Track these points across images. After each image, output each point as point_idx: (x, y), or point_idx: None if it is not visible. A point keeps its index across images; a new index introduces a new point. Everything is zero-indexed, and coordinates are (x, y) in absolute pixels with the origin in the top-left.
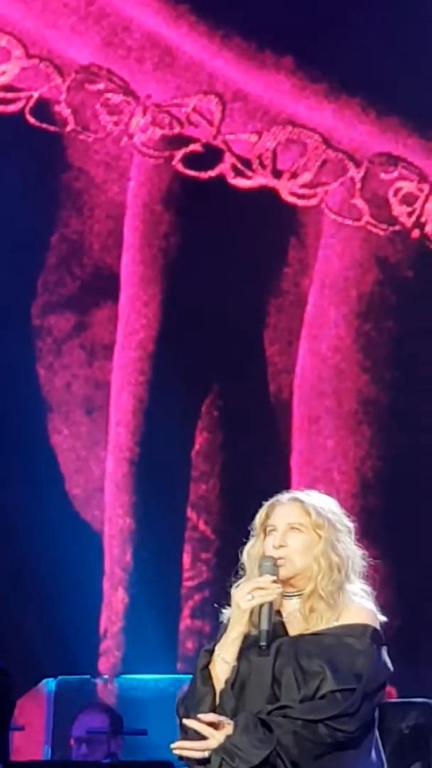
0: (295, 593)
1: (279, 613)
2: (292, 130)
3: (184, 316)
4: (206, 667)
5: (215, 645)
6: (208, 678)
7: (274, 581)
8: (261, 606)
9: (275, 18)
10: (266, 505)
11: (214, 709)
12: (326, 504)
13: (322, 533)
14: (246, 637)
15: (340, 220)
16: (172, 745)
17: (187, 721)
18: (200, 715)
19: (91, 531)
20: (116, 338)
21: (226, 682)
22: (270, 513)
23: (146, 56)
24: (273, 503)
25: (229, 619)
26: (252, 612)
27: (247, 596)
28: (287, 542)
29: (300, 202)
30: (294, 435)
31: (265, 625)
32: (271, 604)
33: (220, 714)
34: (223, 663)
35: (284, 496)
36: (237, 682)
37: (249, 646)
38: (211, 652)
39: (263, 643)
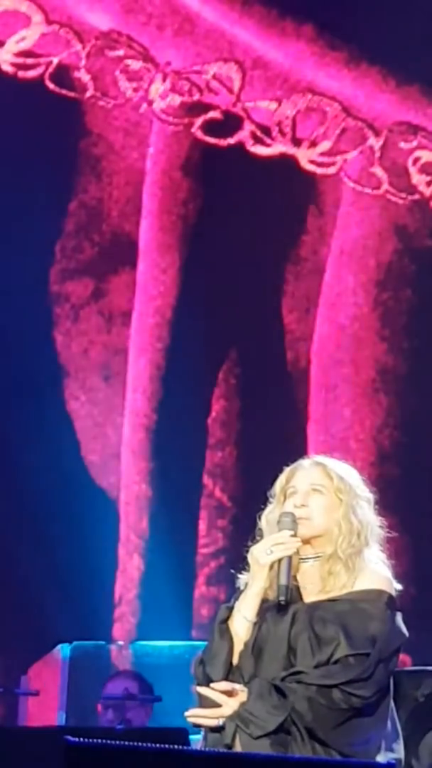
0: (313, 556)
1: (294, 578)
2: (311, 98)
3: (202, 283)
4: (225, 621)
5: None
6: (225, 631)
7: (293, 536)
8: (280, 561)
9: None
10: (287, 469)
11: (229, 663)
12: (348, 470)
13: (343, 497)
14: (264, 601)
15: (359, 189)
16: (187, 713)
17: (201, 689)
18: (214, 684)
19: (107, 498)
20: (134, 305)
21: (246, 644)
22: (291, 477)
23: (166, 23)
24: (294, 467)
25: (246, 584)
26: (271, 567)
27: (266, 551)
28: (309, 502)
29: (319, 171)
30: (311, 403)
31: (284, 580)
32: (290, 559)
33: (238, 678)
34: (242, 619)
35: (306, 461)
36: (255, 647)
37: (267, 609)
38: (232, 608)
39: (282, 598)
